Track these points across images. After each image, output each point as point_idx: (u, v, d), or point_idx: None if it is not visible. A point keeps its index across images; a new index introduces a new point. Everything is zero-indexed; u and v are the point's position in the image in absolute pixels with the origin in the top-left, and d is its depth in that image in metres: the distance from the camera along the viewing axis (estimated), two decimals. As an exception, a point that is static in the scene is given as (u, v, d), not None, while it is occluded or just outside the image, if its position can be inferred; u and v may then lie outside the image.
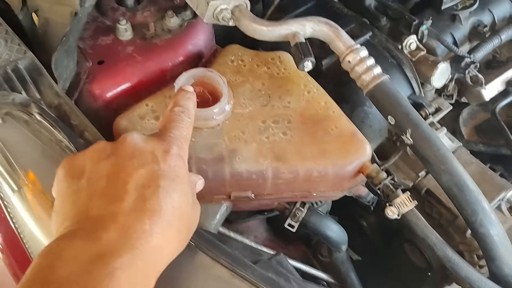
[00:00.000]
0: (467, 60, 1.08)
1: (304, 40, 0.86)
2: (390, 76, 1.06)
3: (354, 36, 1.10)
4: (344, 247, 1.08)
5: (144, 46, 0.96)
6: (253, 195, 0.89)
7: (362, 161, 0.88)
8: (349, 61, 0.87)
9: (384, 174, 0.87)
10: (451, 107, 1.09)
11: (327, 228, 1.03)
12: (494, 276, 0.86)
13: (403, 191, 0.85)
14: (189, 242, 0.64)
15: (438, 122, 1.13)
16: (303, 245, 1.31)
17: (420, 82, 1.10)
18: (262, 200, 0.92)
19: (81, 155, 0.59)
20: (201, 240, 0.69)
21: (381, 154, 1.13)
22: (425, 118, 1.05)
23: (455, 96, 1.17)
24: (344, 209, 1.27)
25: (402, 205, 0.83)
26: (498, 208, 1.06)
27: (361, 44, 1.10)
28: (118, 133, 0.87)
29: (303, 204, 0.97)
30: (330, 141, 0.87)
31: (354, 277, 1.18)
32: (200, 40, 1.00)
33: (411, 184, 1.08)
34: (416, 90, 1.09)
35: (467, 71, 1.09)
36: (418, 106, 1.08)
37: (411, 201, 0.83)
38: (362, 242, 1.33)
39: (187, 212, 0.57)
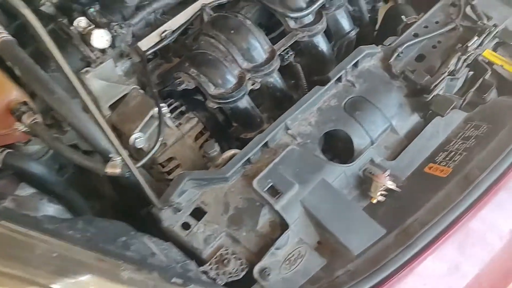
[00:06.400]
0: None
1: None
2: (63, 49, 1.46)
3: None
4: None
5: None
6: None
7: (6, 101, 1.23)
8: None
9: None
10: (111, 59, 1.47)
11: (29, 166, 1.37)
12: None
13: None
14: None
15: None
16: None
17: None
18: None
19: None
20: None
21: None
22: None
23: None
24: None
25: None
26: (164, 122, 1.45)
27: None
28: None
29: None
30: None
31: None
32: None
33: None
34: (85, 53, 1.47)
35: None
36: (88, 63, 1.46)
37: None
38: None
39: None
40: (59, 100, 1.18)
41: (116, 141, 1.30)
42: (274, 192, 1.18)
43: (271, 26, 1.71)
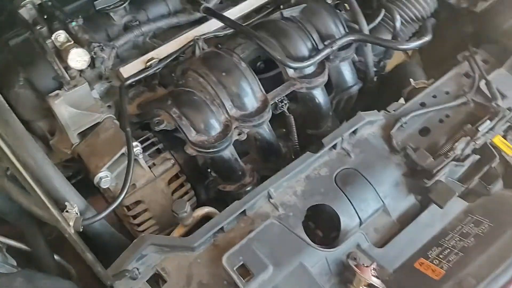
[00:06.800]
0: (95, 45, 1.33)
1: None
2: (35, 63, 1.30)
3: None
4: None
5: None
6: None
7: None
8: None
9: None
10: (86, 84, 1.32)
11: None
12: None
13: None
14: None
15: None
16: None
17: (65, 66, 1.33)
18: None
19: None
20: None
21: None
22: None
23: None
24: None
25: None
26: (137, 162, 1.30)
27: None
28: None
29: None
30: None
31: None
32: None
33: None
34: (59, 72, 1.31)
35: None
36: (60, 84, 1.31)
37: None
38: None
39: None
40: (13, 134, 1.03)
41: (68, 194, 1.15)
42: (245, 272, 1.04)
43: (271, 62, 1.56)
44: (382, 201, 1.20)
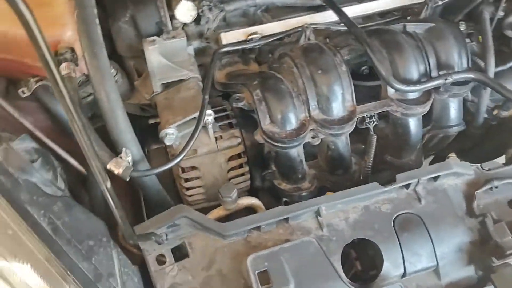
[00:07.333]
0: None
1: None
2: (145, 3, 1.32)
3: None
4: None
5: None
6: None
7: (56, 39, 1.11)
8: None
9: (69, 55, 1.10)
10: (184, 38, 1.31)
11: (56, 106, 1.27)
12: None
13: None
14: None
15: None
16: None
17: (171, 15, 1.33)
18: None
19: None
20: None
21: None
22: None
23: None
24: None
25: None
26: (205, 130, 1.29)
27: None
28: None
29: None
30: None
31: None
32: None
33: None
34: (163, 19, 1.31)
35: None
36: (161, 30, 1.31)
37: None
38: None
39: None
40: (96, 67, 1.04)
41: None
42: (265, 279, 0.99)
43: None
44: (437, 261, 1.08)
